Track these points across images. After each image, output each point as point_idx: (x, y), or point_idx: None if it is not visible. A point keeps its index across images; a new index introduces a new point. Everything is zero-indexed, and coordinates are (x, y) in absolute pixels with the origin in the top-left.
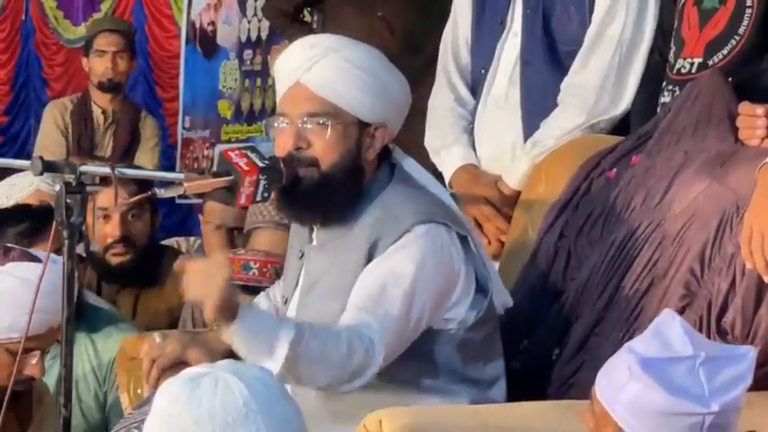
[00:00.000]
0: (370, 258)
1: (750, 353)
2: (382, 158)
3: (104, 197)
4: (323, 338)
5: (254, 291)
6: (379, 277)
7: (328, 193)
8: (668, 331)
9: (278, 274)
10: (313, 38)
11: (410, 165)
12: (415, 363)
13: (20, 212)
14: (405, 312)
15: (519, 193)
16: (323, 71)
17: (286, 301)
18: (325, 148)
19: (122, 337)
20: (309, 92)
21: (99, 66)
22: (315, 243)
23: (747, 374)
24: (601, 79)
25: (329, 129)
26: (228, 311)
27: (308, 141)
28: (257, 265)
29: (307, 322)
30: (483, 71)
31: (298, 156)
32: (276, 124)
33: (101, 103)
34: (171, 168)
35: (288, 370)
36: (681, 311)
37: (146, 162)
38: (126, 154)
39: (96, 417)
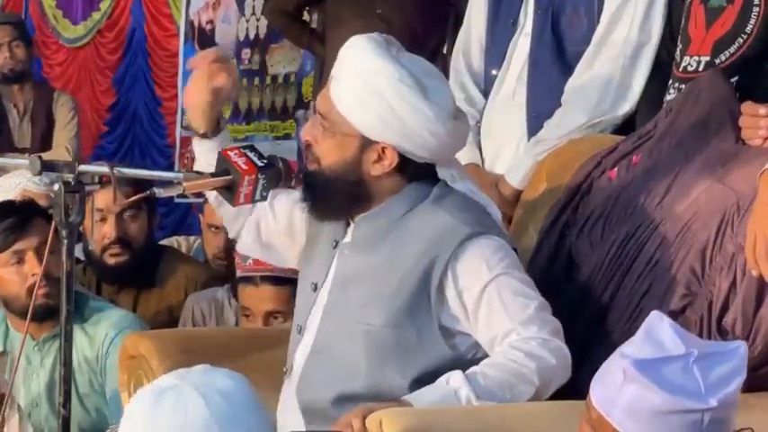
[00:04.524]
0: (428, 273)
1: (741, 347)
2: (419, 176)
3: (101, 198)
4: (491, 362)
5: (250, 279)
6: (492, 300)
7: (325, 191)
8: (658, 332)
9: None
10: (366, 39)
11: (465, 187)
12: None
13: (4, 208)
14: (535, 296)
15: (520, 192)
16: (343, 78)
17: (315, 288)
18: (323, 151)
19: (111, 316)
20: (329, 93)
21: None
22: (348, 240)
23: (741, 369)
24: (605, 81)
25: (328, 134)
26: (399, 409)
27: (315, 138)
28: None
29: None
30: (494, 72)
31: (308, 147)
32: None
33: (11, 98)
34: (170, 167)
35: (484, 395)
36: (681, 311)
37: (62, 142)
38: (46, 138)
39: (98, 407)
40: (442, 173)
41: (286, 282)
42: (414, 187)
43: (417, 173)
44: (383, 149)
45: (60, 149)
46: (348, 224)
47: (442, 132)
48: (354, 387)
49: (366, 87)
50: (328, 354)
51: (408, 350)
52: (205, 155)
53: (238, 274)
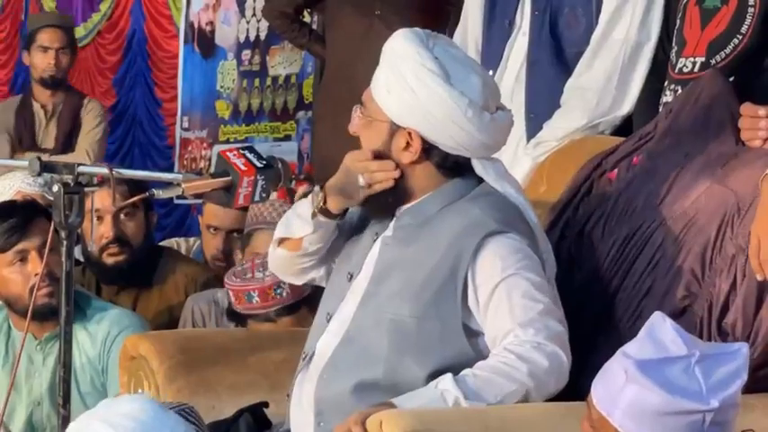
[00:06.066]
0: (454, 267)
1: (743, 349)
2: (459, 172)
3: (97, 198)
4: (483, 363)
5: (260, 318)
6: (500, 300)
7: None
8: (660, 333)
9: (280, 295)
10: (406, 29)
11: (503, 188)
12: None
13: (6, 209)
14: (543, 300)
15: None
16: (380, 66)
17: (350, 278)
18: (364, 140)
19: (113, 314)
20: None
21: (41, 62)
22: (389, 233)
23: (743, 370)
24: (604, 81)
25: (366, 121)
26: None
27: (358, 128)
28: (257, 294)
29: None
30: (491, 73)
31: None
32: None
33: (41, 99)
34: (169, 168)
35: (472, 396)
36: (681, 312)
37: (83, 146)
38: (68, 141)
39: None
40: (477, 167)
41: (298, 306)
42: (455, 183)
43: (455, 168)
44: (410, 135)
45: (82, 153)
46: (392, 218)
47: (465, 122)
48: (373, 374)
49: (391, 71)
50: (356, 342)
51: (430, 342)
52: (316, 236)
53: (246, 312)
